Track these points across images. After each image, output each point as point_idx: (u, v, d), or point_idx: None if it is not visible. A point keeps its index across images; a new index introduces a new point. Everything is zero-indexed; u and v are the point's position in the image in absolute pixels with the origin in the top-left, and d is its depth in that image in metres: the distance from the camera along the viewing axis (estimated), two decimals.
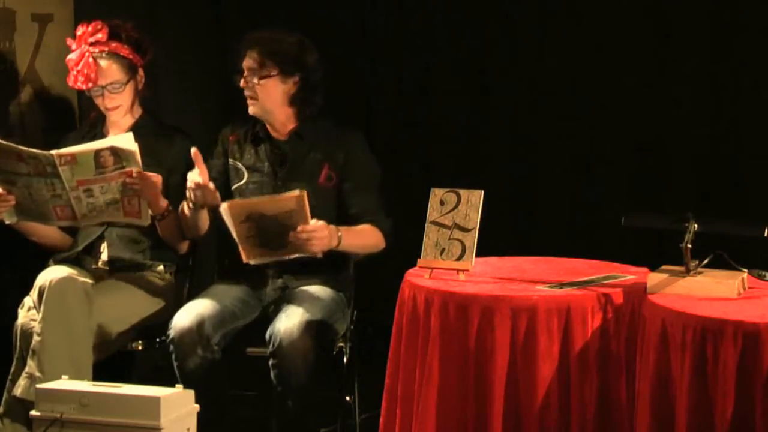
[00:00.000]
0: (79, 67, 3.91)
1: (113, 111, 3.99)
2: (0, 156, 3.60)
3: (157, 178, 3.72)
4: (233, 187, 3.91)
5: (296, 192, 3.49)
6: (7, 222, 3.76)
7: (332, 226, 3.64)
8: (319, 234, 3.56)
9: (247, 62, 3.82)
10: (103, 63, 3.93)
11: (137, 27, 4.04)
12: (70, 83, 3.96)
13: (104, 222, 3.85)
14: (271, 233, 3.56)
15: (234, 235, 3.56)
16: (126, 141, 3.64)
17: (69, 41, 3.98)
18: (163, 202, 3.82)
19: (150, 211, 3.77)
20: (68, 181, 3.61)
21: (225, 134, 3.99)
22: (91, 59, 3.91)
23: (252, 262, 3.64)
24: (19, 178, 3.63)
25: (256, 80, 3.81)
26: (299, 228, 3.52)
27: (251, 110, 3.86)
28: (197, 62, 5.04)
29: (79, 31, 3.96)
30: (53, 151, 3.58)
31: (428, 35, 5.19)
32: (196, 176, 3.65)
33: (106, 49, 3.94)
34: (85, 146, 3.65)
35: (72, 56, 3.94)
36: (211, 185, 3.66)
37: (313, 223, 3.55)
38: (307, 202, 3.48)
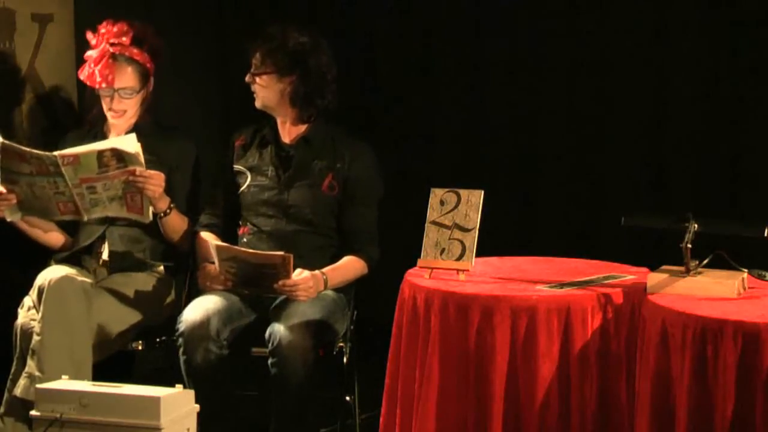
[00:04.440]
0: (99, 67, 3.89)
1: (118, 116, 3.98)
2: (3, 156, 3.60)
3: (159, 175, 3.73)
4: (238, 192, 3.92)
5: (282, 253, 3.58)
6: (9, 219, 3.76)
7: (317, 273, 3.71)
8: (303, 286, 3.65)
9: (253, 58, 3.87)
10: (121, 66, 3.93)
11: (157, 31, 4.04)
12: (82, 77, 3.93)
13: (107, 217, 3.86)
14: (252, 276, 3.66)
15: (216, 266, 3.69)
16: (128, 143, 3.65)
17: (90, 35, 3.96)
18: (165, 200, 3.84)
19: (152, 209, 3.78)
20: (71, 179, 3.62)
21: (233, 139, 4.02)
22: (111, 60, 3.90)
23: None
24: (22, 177, 3.64)
25: (255, 76, 3.85)
26: (281, 282, 3.61)
27: (256, 104, 3.91)
28: (197, 62, 5.04)
29: (103, 29, 3.95)
30: (56, 152, 3.59)
31: (429, 36, 5.19)
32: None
33: (127, 53, 3.94)
34: (88, 147, 3.66)
35: (92, 53, 3.92)
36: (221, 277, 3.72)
37: (296, 275, 3.64)
38: (291, 264, 3.58)
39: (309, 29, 3.90)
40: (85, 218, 3.78)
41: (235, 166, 3.95)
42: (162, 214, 3.86)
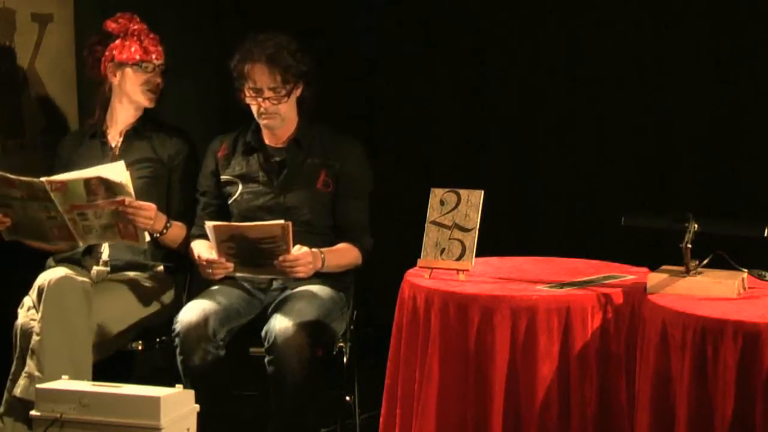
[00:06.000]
0: (150, 37, 3.96)
1: (156, 94, 3.98)
2: None
3: (150, 206, 3.71)
4: (230, 201, 3.91)
5: (281, 221, 3.55)
6: (6, 239, 3.74)
7: (316, 250, 3.70)
8: (302, 261, 3.63)
9: (261, 80, 3.77)
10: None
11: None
12: (124, 56, 3.92)
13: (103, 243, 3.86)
14: (252, 254, 3.62)
15: (215, 251, 3.64)
16: (116, 172, 3.62)
17: (109, 24, 3.98)
18: (161, 221, 3.83)
19: (147, 233, 3.76)
20: (61, 204, 3.60)
21: (214, 149, 3.98)
22: (152, 35, 3.99)
23: (237, 274, 3.73)
24: (14, 201, 3.62)
25: (283, 98, 3.78)
26: (281, 258, 3.58)
27: (268, 123, 3.84)
28: (197, 62, 5.04)
29: (120, 19, 3.97)
30: (43, 178, 3.57)
31: (428, 35, 5.19)
32: (207, 253, 3.72)
33: (152, 35, 4.00)
34: (75, 174, 3.62)
35: (135, 26, 3.96)
36: (222, 259, 3.66)
37: (296, 250, 3.61)
38: (291, 233, 3.55)
39: (271, 30, 3.85)
40: (81, 244, 3.76)
41: (222, 177, 3.93)
42: (158, 235, 3.86)
